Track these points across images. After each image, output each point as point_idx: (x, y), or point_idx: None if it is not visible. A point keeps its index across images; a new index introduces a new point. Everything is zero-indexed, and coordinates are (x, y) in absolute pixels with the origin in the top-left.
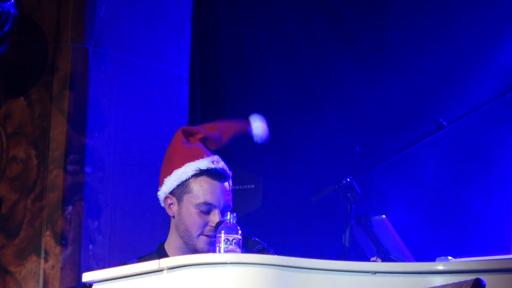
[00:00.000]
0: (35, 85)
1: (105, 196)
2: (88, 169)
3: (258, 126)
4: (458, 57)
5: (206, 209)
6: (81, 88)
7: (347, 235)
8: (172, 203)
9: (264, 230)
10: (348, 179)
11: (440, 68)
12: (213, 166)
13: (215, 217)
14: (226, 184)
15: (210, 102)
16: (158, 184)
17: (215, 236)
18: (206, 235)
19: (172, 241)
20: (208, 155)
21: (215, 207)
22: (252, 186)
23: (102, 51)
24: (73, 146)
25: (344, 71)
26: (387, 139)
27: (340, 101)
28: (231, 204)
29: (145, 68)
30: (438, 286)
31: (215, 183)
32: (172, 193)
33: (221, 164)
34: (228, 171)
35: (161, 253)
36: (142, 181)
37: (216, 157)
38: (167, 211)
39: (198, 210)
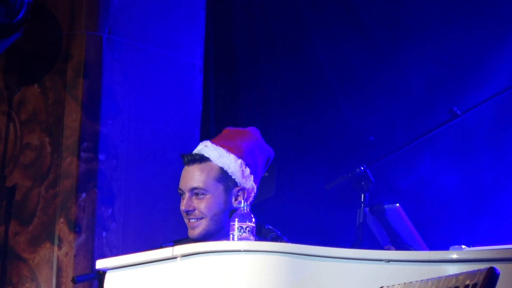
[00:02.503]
0: (49, 73)
1: (119, 183)
2: (101, 157)
3: None
4: (472, 46)
5: (180, 194)
6: (95, 76)
7: (360, 224)
8: None
9: (277, 218)
10: (362, 168)
11: (454, 57)
12: (187, 152)
13: (183, 201)
14: (196, 166)
15: (224, 90)
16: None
17: (189, 220)
18: (186, 219)
19: None
20: (203, 141)
21: (182, 191)
22: (266, 174)
23: (116, 39)
24: (86, 133)
25: (357, 60)
26: (401, 128)
27: (354, 90)
28: (205, 185)
29: (159, 56)
30: (452, 275)
31: (184, 168)
32: None
33: (201, 148)
34: (206, 153)
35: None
36: (156, 169)
37: (206, 142)
38: None
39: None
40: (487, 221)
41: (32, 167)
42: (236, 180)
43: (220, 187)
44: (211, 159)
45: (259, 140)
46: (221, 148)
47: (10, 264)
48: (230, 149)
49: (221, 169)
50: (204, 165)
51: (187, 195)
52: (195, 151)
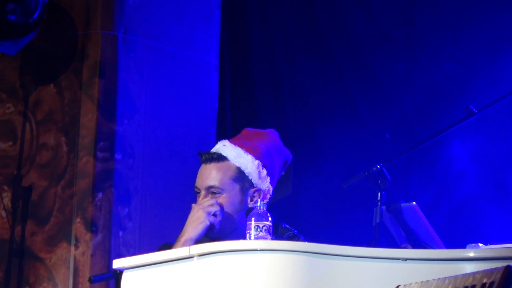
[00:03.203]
0: (64, 72)
1: (135, 182)
2: (118, 156)
3: None
4: (487, 43)
5: (197, 192)
6: (110, 75)
7: (377, 222)
8: None
9: (294, 217)
10: (378, 166)
11: (470, 55)
12: (204, 150)
13: (199, 199)
14: (213, 164)
15: (239, 89)
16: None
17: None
18: None
19: None
20: (221, 140)
21: (199, 189)
22: (282, 173)
23: (131, 38)
24: (103, 133)
25: (374, 58)
26: (417, 126)
27: (369, 88)
28: (221, 184)
29: (175, 55)
30: (469, 273)
31: (202, 166)
32: None
33: (219, 147)
34: (223, 152)
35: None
36: (172, 168)
37: (224, 142)
38: None
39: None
40: (504, 219)
41: (49, 167)
42: (252, 180)
43: (237, 187)
44: (228, 158)
45: (278, 143)
46: (239, 148)
47: (27, 264)
48: (248, 149)
49: (238, 169)
50: (221, 164)
51: (203, 193)
52: (213, 149)
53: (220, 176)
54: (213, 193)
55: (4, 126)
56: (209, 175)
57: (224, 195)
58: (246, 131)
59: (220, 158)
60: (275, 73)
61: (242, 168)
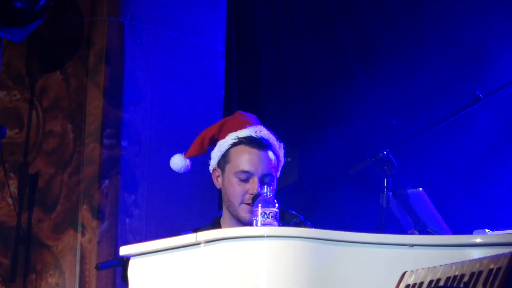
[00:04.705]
0: (71, 59)
1: (142, 169)
2: (124, 143)
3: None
4: (494, 29)
5: (245, 177)
6: (117, 62)
7: (383, 208)
8: (218, 175)
9: (301, 203)
10: (385, 152)
11: (476, 41)
12: (252, 134)
13: (253, 185)
14: (267, 152)
15: (246, 75)
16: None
17: (249, 204)
18: (247, 203)
19: (225, 214)
20: (251, 125)
21: (253, 174)
22: (289, 159)
23: (137, 25)
24: (109, 120)
25: (380, 43)
26: (423, 112)
27: (376, 74)
28: (274, 173)
29: (181, 42)
30: (476, 259)
31: (253, 151)
32: (218, 165)
33: (263, 133)
34: (270, 140)
35: (216, 226)
36: None
37: (259, 127)
38: (215, 184)
39: (237, 178)
40: (511, 205)
41: (55, 154)
42: (280, 168)
43: (277, 176)
44: (276, 147)
45: None
46: (273, 136)
47: (34, 251)
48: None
49: (278, 157)
50: (272, 152)
51: (255, 179)
52: (263, 136)
53: (274, 164)
54: (266, 181)
55: (11, 113)
56: (268, 163)
57: (273, 184)
58: (247, 116)
59: (271, 146)
60: (281, 59)
61: (280, 157)
